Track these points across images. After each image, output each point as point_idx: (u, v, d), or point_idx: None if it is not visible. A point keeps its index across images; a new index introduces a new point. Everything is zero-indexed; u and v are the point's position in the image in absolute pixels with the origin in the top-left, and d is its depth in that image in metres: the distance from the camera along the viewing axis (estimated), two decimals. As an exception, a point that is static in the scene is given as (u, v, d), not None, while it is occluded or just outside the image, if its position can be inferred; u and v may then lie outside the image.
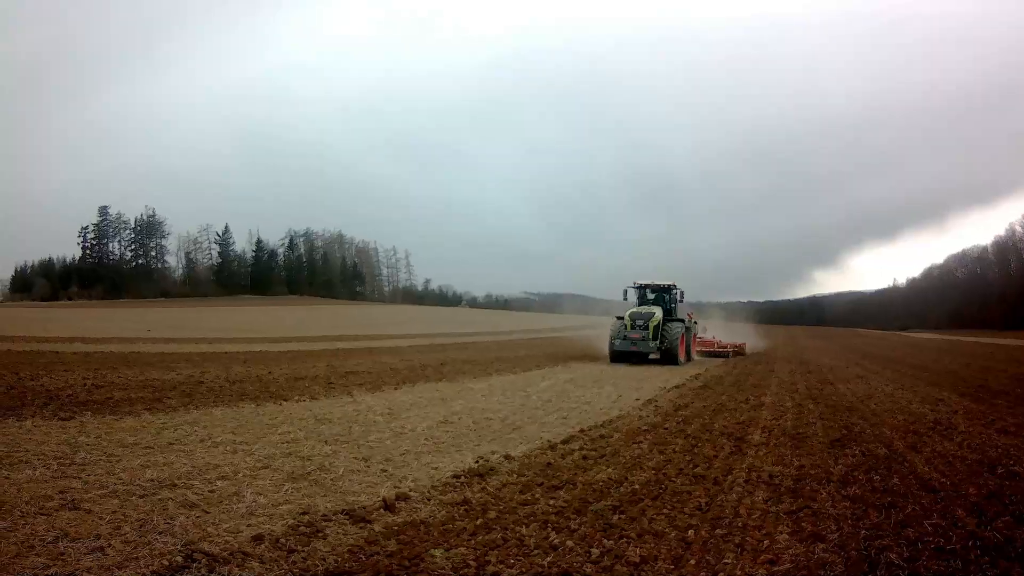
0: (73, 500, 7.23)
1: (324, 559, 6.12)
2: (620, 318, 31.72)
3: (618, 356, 30.73)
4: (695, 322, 35.30)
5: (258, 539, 6.41)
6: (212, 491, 7.99)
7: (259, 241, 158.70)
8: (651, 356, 31.05)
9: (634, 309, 31.85)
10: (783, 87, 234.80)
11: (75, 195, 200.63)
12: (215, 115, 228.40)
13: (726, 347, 37.47)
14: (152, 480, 8.24)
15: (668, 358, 30.74)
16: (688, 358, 32.66)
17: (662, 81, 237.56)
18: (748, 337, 45.23)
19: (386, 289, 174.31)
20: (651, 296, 33.42)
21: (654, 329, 30.70)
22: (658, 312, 31.33)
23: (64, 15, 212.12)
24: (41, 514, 6.73)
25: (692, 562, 6.11)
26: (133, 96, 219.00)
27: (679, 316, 33.21)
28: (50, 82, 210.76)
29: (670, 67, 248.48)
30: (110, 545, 6.07)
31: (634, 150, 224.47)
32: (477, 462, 9.89)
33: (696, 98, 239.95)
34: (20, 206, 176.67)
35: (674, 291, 33.33)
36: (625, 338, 30.57)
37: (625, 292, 33.51)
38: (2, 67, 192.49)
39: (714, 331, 41.14)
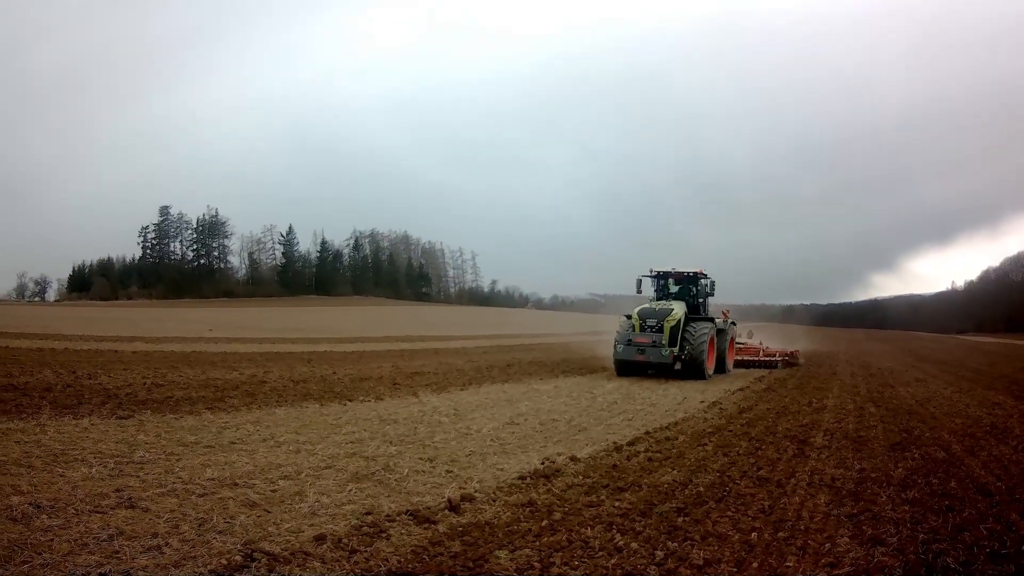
0: (130, 498, 7.35)
1: (387, 559, 6.18)
2: (629, 316, 25.59)
3: (624, 367, 25.02)
4: (731, 323, 28.84)
5: (320, 539, 6.48)
6: (274, 491, 8.11)
7: (324, 242, 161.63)
8: (675, 367, 24.68)
9: (646, 305, 25.71)
10: (837, 89, 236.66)
11: (134, 195, 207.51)
12: (271, 117, 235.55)
13: (774, 355, 31.35)
14: (212, 479, 8.40)
15: (691, 370, 24.33)
16: (723, 370, 26.92)
17: (716, 82, 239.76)
18: (808, 341, 44.32)
19: (452, 290, 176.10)
20: (674, 288, 27.36)
21: (671, 331, 24.29)
22: (678, 308, 24.97)
23: (121, 16, 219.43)
24: (96, 512, 6.85)
25: (755, 565, 6.29)
26: (192, 97, 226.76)
27: (708, 314, 27.27)
28: (108, 82, 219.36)
29: (723, 67, 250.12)
30: (167, 544, 6.16)
31: (691, 152, 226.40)
32: (543, 463, 10.12)
33: (751, 99, 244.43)
34: (77, 206, 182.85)
35: (702, 281, 27.33)
36: (630, 343, 24.54)
37: (639, 282, 27.20)
38: (61, 66, 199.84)
39: (764, 335, 36.31)
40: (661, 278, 27.51)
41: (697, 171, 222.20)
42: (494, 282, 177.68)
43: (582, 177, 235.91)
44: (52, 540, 6.02)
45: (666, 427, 13.65)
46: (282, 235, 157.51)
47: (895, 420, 14.84)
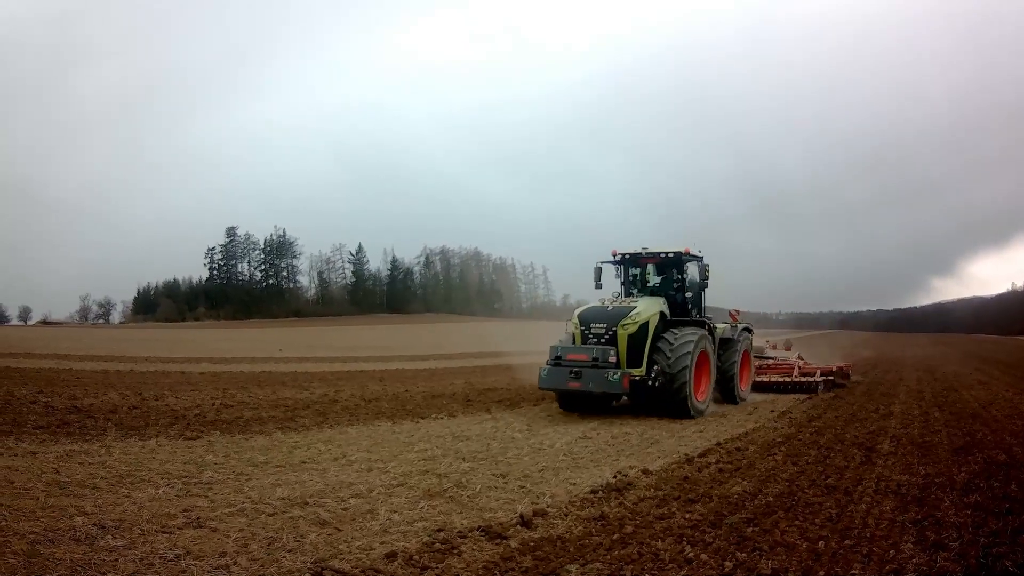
0: (198, 518, 7.52)
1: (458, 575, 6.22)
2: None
3: (566, 399, 17.76)
4: (744, 328, 21.43)
5: (391, 556, 6.55)
6: (345, 509, 8.23)
7: (394, 260, 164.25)
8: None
9: (595, 303, 18.30)
10: (882, 90, 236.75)
11: (199, 217, 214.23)
12: (329, 136, 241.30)
13: (813, 373, 24.16)
14: (282, 498, 8.54)
15: (667, 400, 16.85)
16: (731, 398, 19.99)
17: (761, 85, 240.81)
18: (872, 349, 43.40)
19: (524, 305, 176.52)
20: (656, 279, 19.80)
21: (630, 342, 16.93)
22: (645, 307, 17.42)
23: (171, 40, 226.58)
24: (163, 532, 7.01)
25: (821, 573, 6.47)
26: (248, 118, 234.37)
27: (704, 316, 19.48)
28: (163, 104, 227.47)
29: (768, 70, 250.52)
30: (235, 563, 6.28)
31: (742, 158, 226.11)
32: (615, 477, 10.21)
33: (798, 103, 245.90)
34: (141, 229, 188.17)
35: (687, 265, 19.58)
36: (559, 362, 16.85)
37: (597, 272, 19.45)
38: (117, 89, 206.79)
39: (818, 346, 32.34)
40: (628, 263, 19.83)
41: (750, 177, 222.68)
42: (566, 296, 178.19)
43: (639, 188, 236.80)
44: (117, 560, 6.17)
45: (736, 437, 13.94)
46: (351, 254, 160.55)
47: (959, 424, 15.15)
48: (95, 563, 6.06)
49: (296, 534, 7.18)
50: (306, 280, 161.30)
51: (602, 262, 19.48)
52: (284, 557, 6.48)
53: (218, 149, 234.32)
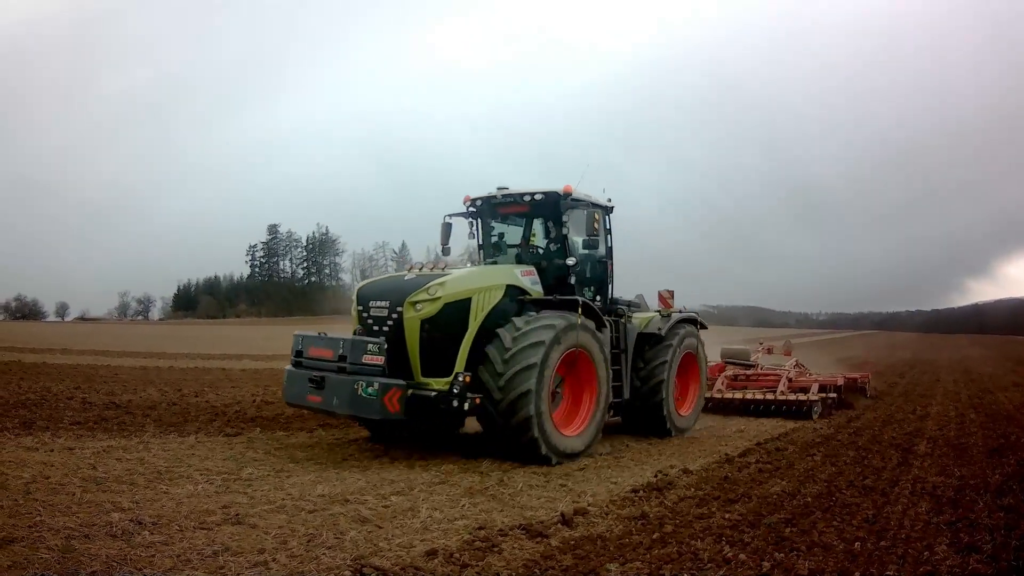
0: (237, 515, 7.56)
1: (498, 574, 6.29)
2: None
3: (378, 425, 12.49)
4: (683, 319, 14.92)
5: (431, 554, 6.58)
6: (386, 506, 8.27)
7: (437, 257, 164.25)
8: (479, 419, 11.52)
9: (391, 274, 13.42)
10: (919, 87, 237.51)
11: (240, 215, 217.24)
12: (369, 138, 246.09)
13: (807, 387, 18.19)
14: (323, 495, 8.60)
15: (506, 439, 10.95)
16: (664, 427, 14.15)
17: (795, 87, 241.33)
18: (910, 351, 43.11)
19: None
20: (542, 242, 13.67)
21: (428, 337, 11.04)
22: (462, 277, 11.60)
23: (203, 41, 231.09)
24: (201, 528, 7.05)
25: (857, 574, 6.55)
26: (283, 118, 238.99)
27: (612, 297, 13.94)
28: (200, 103, 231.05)
29: (802, 73, 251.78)
30: (274, 559, 6.31)
31: (777, 160, 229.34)
32: (656, 476, 10.48)
33: (832, 104, 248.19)
34: (180, 227, 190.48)
35: (569, 213, 13.01)
36: (301, 360, 11.51)
37: (446, 228, 13.91)
38: (153, 88, 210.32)
39: (848, 347, 28.55)
40: (485, 214, 13.84)
41: (785, 179, 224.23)
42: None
43: (672, 189, 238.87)
44: (154, 556, 6.21)
45: (776, 438, 14.29)
46: (395, 251, 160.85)
47: (994, 426, 15.62)
48: (131, 559, 6.10)
49: (336, 531, 7.21)
50: (348, 278, 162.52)
51: (452, 215, 13.93)
52: (323, 554, 6.51)
53: (257, 149, 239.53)
